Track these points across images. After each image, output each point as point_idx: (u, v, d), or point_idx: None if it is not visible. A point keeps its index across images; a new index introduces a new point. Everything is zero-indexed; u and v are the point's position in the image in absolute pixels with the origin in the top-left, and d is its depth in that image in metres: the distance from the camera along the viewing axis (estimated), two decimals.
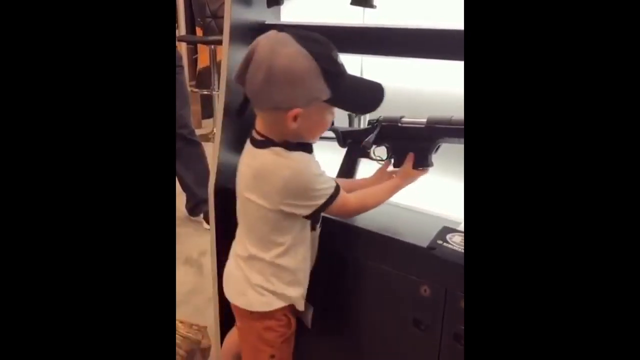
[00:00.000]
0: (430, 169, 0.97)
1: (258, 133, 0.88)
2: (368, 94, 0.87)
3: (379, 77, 0.90)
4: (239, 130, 1.14)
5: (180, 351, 1.31)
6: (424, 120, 0.96)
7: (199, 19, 3.83)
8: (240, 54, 1.14)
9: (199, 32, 3.88)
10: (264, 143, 0.86)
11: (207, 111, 3.92)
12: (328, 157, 0.98)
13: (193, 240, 2.16)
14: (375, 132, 1.00)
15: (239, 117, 0.91)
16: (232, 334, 1.15)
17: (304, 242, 0.92)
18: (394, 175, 0.99)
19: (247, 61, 0.82)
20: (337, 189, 0.88)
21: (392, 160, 1.01)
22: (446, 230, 0.93)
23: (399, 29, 1.02)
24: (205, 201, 1.38)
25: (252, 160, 0.89)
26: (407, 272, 0.94)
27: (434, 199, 1.05)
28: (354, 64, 1.20)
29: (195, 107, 3.59)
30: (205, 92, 3.69)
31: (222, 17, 1.13)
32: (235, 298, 0.95)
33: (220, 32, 1.29)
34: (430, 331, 0.93)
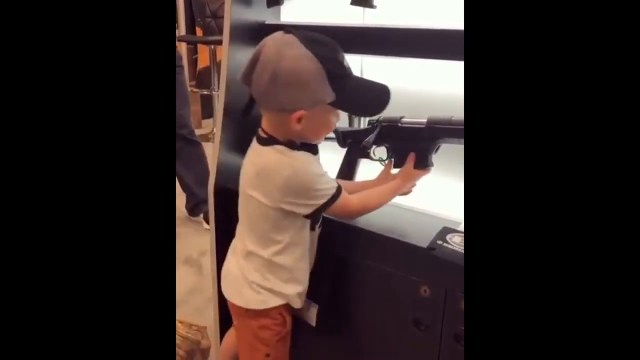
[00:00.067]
0: (431, 169, 0.97)
1: (264, 131, 0.89)
2: (373, 97, 0.87)
3: (378, 77, 0.90)
4: (239, 130, 1.14)
5: (179, 351, 1.31)
6: (424, 120, 0.96)
7: (199, 19, 3.83)
8: (240, 54, 1.15)
9: (199, 32, 3.88)
10: (268, 141, 0.87)
11: (207, 111, 3.93)
12: (328, 157, 0.98)
13: (193, 240, 2.16)
14: (375, 132, 1.00)
15: (244, 117, 0.91)
16: (230, 334, 1.15)
17: (302, 241, 0.92)
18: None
19: (254, 62, 0.82)
20: (339, 190, 0.88)
21: (392, 161, 1.01)
22: (446, 230, 0.93)
23: (399, 29, 1.02)
24: (205, 201, 1.38)
25: (256, 158, 0.90)
26: (407, 273, 0.94)
27: (434, 199, 1.05)
28: (354, 64, 1.19)
29: (195, 107, 3.59)
30: (205, 92, 3.69)
31: (222, 17, 1.14)
32: (233, 296, 0.96)
33: (220, 32, 1.29)
34: (430, 331, 0.93)
